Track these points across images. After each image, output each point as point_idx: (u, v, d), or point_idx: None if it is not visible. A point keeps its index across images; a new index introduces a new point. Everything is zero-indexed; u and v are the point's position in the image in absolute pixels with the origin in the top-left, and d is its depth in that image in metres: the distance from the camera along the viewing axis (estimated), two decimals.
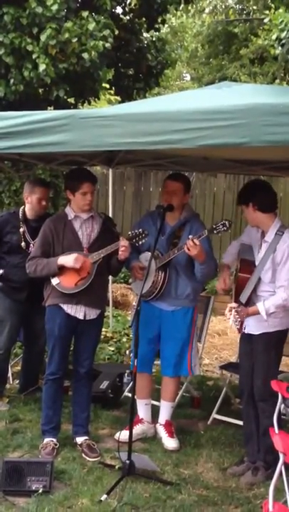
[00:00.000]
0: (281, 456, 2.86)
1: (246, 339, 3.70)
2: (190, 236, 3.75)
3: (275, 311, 3.46)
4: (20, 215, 4.48)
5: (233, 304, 3.47)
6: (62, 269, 3.74)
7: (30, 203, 4.43)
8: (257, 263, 3.62)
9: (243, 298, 3.54)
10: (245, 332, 3.67)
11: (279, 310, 3.47)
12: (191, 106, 3.14)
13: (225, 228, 3.69)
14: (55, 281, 3.77)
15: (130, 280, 4.33)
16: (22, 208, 4.54)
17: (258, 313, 3.47)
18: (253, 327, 3.60)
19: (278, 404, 3.25)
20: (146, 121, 3.05)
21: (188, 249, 3.70)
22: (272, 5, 8.31)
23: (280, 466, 2.86)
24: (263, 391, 3.47)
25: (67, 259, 3.71)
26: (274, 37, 6.35)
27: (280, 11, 6.48)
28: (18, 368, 5.13)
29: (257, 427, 3.70)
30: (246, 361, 3.72)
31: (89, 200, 3.79)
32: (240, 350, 3.89)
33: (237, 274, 3.76)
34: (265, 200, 3.60)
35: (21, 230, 4.41)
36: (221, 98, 3.59)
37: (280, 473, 2.88)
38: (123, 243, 3.70)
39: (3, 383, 4.68)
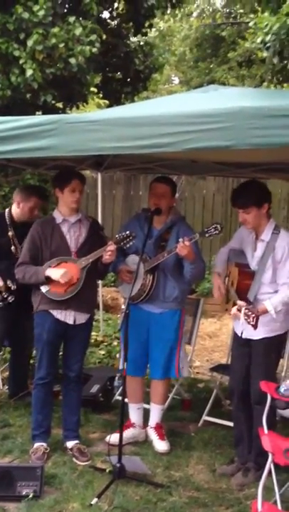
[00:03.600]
0: (270, 455, 2.88)
1: (242, 343, 3.68)
2: (180, 239, 3.76)
3: (282, 308, 3.43)
4: (7, 218, 4.42)
5: (241, 303, 3.38)
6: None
7: (21, 210, 4.39)
8: (254, 263, 3.62)
9: (251, 296, 3.50)
10: (243, 337, 3.65)
11: (285, 307, 3.45)
12: (178, 110, 3.17)
13: (217, 232, 3.72)
14: (44, 288, 3.76)
15: (118, 283, 4.33)
16: (8, 210, 4.48)
17: (266, 311, 3.40)
18: (253, 332, 3.52)
19: (267, 404, 3.27)
20: (133, 125, 3.08)
21: (180, 250, 3.72)
22: (259, 8, 8.37)
23: (268, 465, 2.87)
24: (260, 395, 3.42)
25: (55, 274, 3.69)
26: (259, 40, 6.40)
27: (265, 14, 6.53)
28: (8, 373, 5.10)
29: (247, 430, 3.71)
30: (239, 365, 3.71)
31: (77, 197, 3.79)
32: (233, 354, 3.88)
33: (230, 278, 3.77)
34: (271, 201, 3.61)
35: (10, 234, 4.37)
36: (207, 102, 3.61)
37: (269, 473, 2.89)
38: (110, 247, 3.70)
39: None
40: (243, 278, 3.63)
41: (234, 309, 3.42)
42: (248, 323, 3.27)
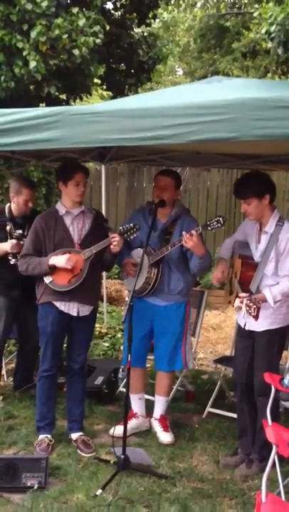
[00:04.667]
0: (274, 447, 2.89)
1: (245, 335, 3.69)
2: (184, 233, 3.76)
3: (281, 299, 3.44)
4: (7, 213, 4.45)
5: (244, 294, 3.41)
6: (54, 268, 3.73)
7: (16, 204, 4.42)
8: (258, 255, 3.61)
9: (253, 287, 3.53)
10: (246, 329, 3.66)
11: (284, 298, 3.46)
12: (181, 101, 3.15)
13: (219, 225, 3.71)
14: (47, 279, 3.77)
15: (122, 276, 4.33)
16: (8, 205, 4.51)
17: (265, 300, 3.42)
18: (256, 324, 3.55)
19: (271, 396, 3.28)
20: (137, 117, 3.07)
21: (186, 242, 3.71)
22: None
23: (272, 457, 2.89)
24: (263, 386, 3.44)
25: (59, 260, 3.70)
26: (263, 31, 6.37)
27: (270, 4, 6.49)
28: (13, 365, 5.13)
29: (251, 422, 3.72)
30: (243, 357, 3.72)
31: (81, 191, 3.79)
32: (237, 346, 3.89)
33: (234, 270, 3.78)
34: (275, 192, 3.61)
35: (8, 227, 4.38)
36: (211, 93, 3.59)
37: (273, 464, 2.90)
38: (115, 237, 3.70)
39: None
40: (246, 269, 3.64)
41: (237, 301, 3.43)
42: (250, 314, 3.29)
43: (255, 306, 3.27)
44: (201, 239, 3.91)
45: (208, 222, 3.74)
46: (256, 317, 3.30)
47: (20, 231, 4.32)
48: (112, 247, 3.72)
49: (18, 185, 4.44)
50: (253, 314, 3.28)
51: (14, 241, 4.26)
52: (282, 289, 3.45)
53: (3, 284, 4.43)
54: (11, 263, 4.21)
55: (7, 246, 4.27)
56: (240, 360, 3.76)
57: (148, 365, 4.42)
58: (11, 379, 4.98)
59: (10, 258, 4.25)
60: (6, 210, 4.48)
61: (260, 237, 3.63)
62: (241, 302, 3.33)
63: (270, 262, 3.53)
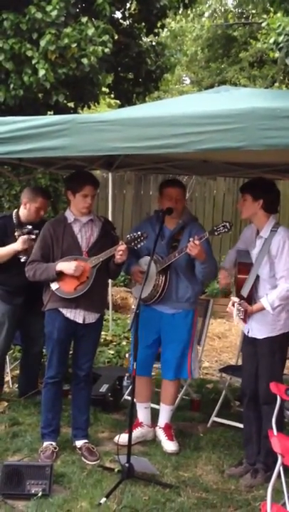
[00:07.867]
0: (279, 457, 2.87)
1: (249, 342, 3.71)
2: (191, 238, 3.78)
3: (280, 303, 3.47)
4: (14, 218, 4.45)
5: (235, 298, 3.50)
6: (61, 274, 3.74)
7: (27, 210, 4.42)
8: (254, 260, 3.65)
9: (245, 292, 3.58)
10: (249, 336, 3.68)
11: (284, 302, 3.48)
12: (189, 110, 3.17)
13: (226, 230, 3.73)
14: (54, 286, 3.78)
15: (130, 284, 4.34)
16: (15, 211, 4.51)
17: (262, 308, 3.49)
18: (257, 331, 3.61)
19: (277, 406, 3.26)
20: (145, 125, 3.08)
21: (190, 250, 3.74)
22: (271, 9, 8.37)
23: (278, 467, 2.86)
24: (267, 394, 3.44)
25: (67, 266, 3.71)
26: (271, 41, 6.41)
27: (278, 15, 6.54)
28: (18, 371, 5.13)
29: (257, 430, 3.71)
30: (249, 364, 3.73)
31: (88, 203, 3.81)
32: (243, 353, 3.90)
33: (236, 276, 3.80)
34: (274, 202, 3.67)
35: (16, 234, 4.37)
36: (219, 102, 3.61)
37: (279, 475, 2.88)
38: (120, 247, 3.71)
39: (0, 386, 4.70)
40: (241, 273, 3.70)
41: (229, 304, 3.51)
42: (239, 317, 3.42)
43: (242, 309, 3.43)
44: (209, 245, 3.92)
45: (215, 228, 3.76)
46: (244, 320, 3.47)
47: (30, 226, 4.26)
48: (117, 257, 3.73)
49: (34, 193, 4.44)
50: (241, 317, 3.43)
51: (25, 236, 4.23)
52: (279, 292, 3.48)
53: (6, 290, 4.44)
54: (22, 261, 4.14)
55: (17, 244, 4.23)
56: (247, 367, 3.77)
57: (153, 373, 4.42)
58: (17, 385, 4.98)
59: (20, 257, 4.20)
60: (14, 217, 4.48)
61: (256, 242, 3.68)
62: (233, 305, 3.45)
63: (265, 265, 3.57)
